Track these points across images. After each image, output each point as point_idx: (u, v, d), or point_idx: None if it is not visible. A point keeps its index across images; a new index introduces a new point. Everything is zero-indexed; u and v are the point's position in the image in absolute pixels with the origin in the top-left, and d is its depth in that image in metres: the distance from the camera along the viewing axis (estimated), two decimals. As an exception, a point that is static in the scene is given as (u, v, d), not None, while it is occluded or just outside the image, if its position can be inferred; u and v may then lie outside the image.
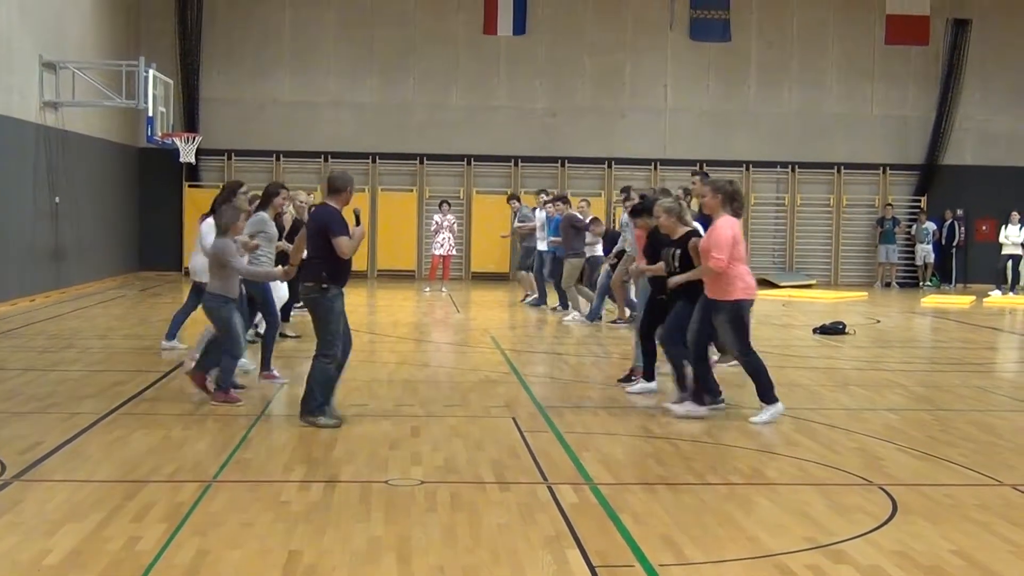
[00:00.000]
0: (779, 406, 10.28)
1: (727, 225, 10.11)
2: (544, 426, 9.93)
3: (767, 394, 10.27)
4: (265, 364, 11.97)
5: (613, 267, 17.28)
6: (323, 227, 9.75)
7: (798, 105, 30.18)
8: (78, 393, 11.23)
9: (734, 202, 10.26)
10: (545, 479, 8.00)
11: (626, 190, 16.85)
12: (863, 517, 7.15)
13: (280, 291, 13.24)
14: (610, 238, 18.88)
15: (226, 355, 10.61)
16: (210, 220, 12.11)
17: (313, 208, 10.85)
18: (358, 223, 9.95)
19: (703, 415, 10.33)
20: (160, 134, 23.12)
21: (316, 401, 9.75)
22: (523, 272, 22.44)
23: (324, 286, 9.71)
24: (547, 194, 21.86)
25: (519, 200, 23.60)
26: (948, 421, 10.63)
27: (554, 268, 20.18)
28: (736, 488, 7.90)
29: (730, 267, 10.02)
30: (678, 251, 10.63)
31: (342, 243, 9.65)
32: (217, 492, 7.46)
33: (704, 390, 10.49)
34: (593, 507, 7.30)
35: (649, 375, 11.69)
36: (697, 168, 24.73)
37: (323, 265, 9.74)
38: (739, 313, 10.16)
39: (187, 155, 24.67)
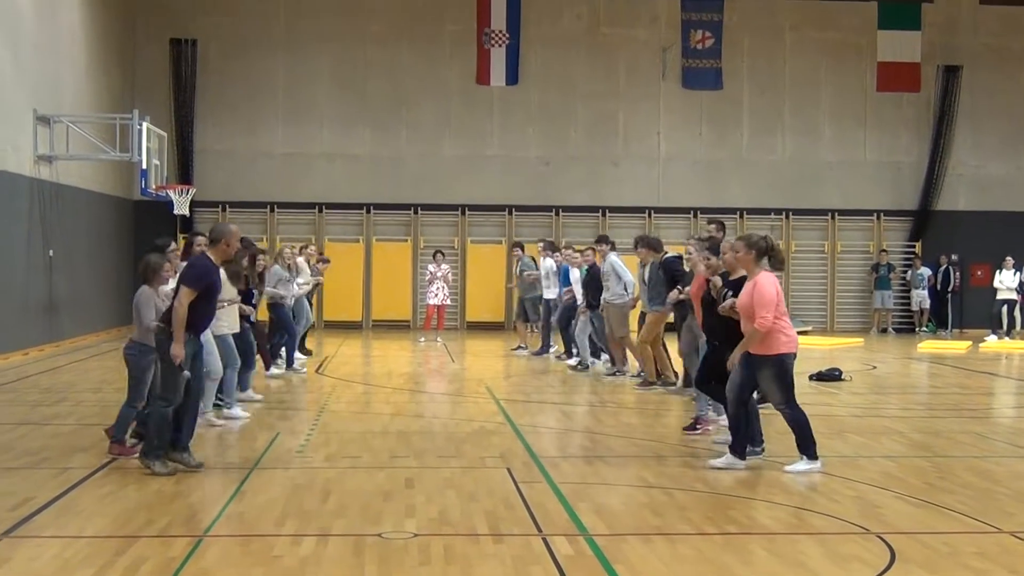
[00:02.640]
0: (817, 464, 10.15)
1: (769, 282, 10.09)
2: (539, 476, 9.86)
3: (808, 448, 10.19)
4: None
5: (573, 308, 19.03)
6: (182, 275, 9.94)
7: (791, 152, 30.29)
8: (71, 447, 11.18)
9: (773, 257, 10.24)
10: (540, 530, 7.93)
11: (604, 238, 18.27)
12: (860, 567, 7.08)
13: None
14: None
15: None
16: None
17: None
18: None
19: (742, 467, 10.21)
20: (154, 186, 23.14)
21: (152, 444, 9.79)
22: (529, 322, 22.58)
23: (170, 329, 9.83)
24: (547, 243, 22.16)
25: (522, 249, 23.21)
26: (946, 468, 10.57)
27: (563, 314, 20.05)
28: (732, 538, 7.83)
29: (774, 323, 10.01)
30: (729, 292, 10.58)
31: (181, 295, 9.75)
32: (209, 547, 7.39)
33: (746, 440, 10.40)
34: (588, 559, 7.23)
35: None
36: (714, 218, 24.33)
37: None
38: (784, 367, 10.11)
39: (181, 207, 24.65)
